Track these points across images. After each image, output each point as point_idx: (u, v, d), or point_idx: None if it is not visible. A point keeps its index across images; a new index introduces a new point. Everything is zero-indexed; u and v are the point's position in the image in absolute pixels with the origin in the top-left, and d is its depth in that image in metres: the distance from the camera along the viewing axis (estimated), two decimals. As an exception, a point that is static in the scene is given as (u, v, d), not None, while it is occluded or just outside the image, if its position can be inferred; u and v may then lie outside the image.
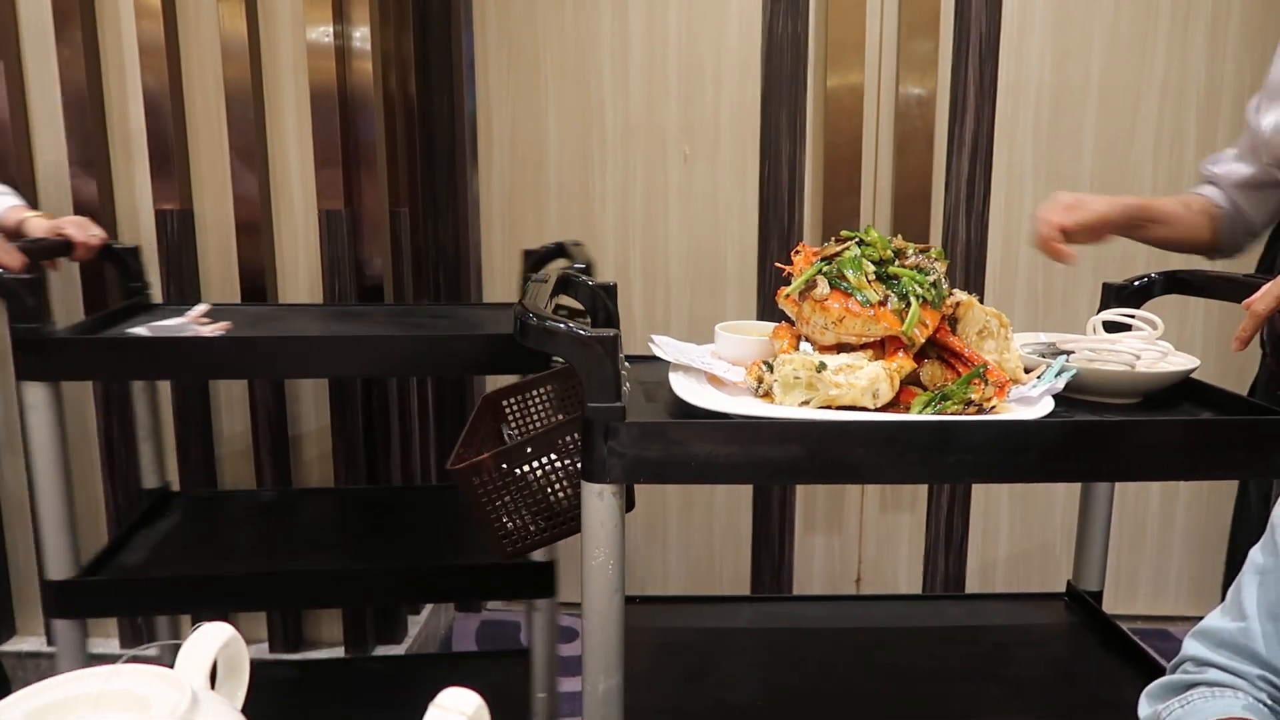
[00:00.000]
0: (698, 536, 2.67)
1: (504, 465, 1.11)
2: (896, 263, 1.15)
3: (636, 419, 1.05)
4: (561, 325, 1.03)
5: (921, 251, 1.18)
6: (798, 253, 1.20)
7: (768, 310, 2.51)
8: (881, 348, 1.14)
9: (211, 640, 0.69)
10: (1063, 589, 1.63)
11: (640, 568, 2.68)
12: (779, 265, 1.26)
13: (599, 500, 1.05)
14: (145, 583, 1.66)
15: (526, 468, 1.12)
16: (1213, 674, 0.80)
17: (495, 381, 2.40)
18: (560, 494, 1.15)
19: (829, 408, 1.08)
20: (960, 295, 1.20)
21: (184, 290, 2.07)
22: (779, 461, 1.04)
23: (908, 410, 1.11)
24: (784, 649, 1.47)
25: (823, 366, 1.09)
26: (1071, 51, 2.42)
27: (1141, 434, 1.06)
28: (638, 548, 2.67)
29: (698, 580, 2.69)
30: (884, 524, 2.66)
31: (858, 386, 1.07)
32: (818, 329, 1.14)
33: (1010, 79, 2.44)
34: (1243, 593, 0.80)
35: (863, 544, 2.67)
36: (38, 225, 1.67)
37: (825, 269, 1.14)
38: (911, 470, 1.04)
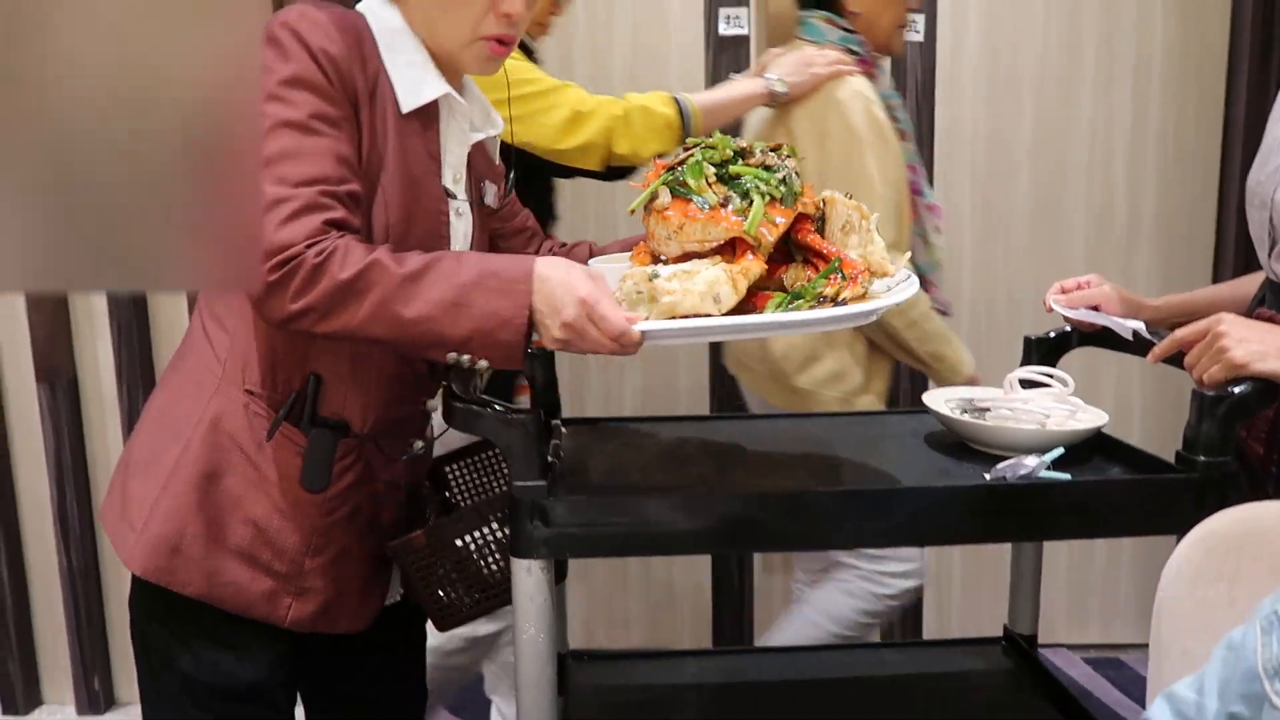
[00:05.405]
0: (658, 579, 2.70)
1: (435, 541, 1.14)
2: (740, 162, 1.11)
3: (562, 495, 1.08)
4: (487, 408, 1.06)
5: (772, 150, 1.13)
6: (650, 168, 1.15)
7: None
8: (733, 252, 1.09)
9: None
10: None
11: (601, 613, 2.70)
12: (632, 185, 1.19)
13: (527, 575, 1.08)
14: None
15: (459, 541, 1.15)
16: None
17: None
18: (493, 566, 1.17)
19: (671, 317, 1.03)
20: (827, 193, 1.16)
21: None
22: (700, 532, 1.07)
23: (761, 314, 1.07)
24: (725, 706, 1.50)
25: (655, 275, 1.04)
26: (1002, 97, 2.50)
27: (1045, 496, 1.10)
28: (599, 593, 2.69)
29: (658, 625, 2.71)
30: (841, 562, 2.69)
31: (695, 292, 1.02)
32: (662, 241, 1.10)
33: (947, 122, 2.51)
34: (1210, 664, 0.83)
35: (820, 583, 2.70)
36: None
37: (668, 178, 1.10)
38: (818, 537, 1.09)
